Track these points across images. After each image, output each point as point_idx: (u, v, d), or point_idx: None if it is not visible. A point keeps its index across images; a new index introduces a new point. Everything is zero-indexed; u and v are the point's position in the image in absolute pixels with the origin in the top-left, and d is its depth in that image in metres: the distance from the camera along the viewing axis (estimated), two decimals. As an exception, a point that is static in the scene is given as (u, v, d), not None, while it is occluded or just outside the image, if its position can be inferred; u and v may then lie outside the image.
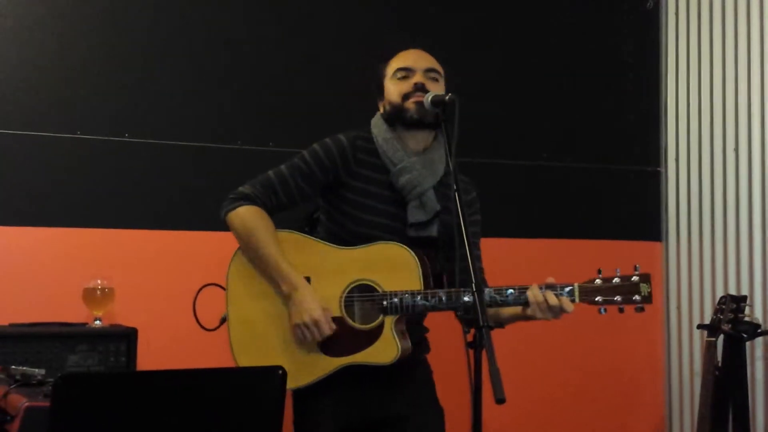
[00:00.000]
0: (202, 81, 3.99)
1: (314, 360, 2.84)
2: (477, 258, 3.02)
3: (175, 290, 3.81)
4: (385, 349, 2.79)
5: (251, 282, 2.93)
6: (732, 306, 4.02)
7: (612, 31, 4.82)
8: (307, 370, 2.84)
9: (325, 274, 2.86)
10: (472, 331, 2.42)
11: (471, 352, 2.38)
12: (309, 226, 3.09)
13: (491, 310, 2.81)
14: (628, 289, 2.71)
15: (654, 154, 4.86)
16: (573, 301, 2.73)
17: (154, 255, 3.85)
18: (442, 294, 2.76)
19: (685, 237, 4.73)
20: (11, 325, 3.50)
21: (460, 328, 2.53)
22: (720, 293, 4.49)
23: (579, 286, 2.73)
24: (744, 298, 4.07)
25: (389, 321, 2.79)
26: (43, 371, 2.96)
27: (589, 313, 4.57)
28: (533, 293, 2.70)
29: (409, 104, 2.90)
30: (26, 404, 2.38)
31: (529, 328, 4.29)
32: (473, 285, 2.44)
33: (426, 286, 2.80)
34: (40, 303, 3.64)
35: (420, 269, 2.80)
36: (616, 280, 2.72)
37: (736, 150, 4.49)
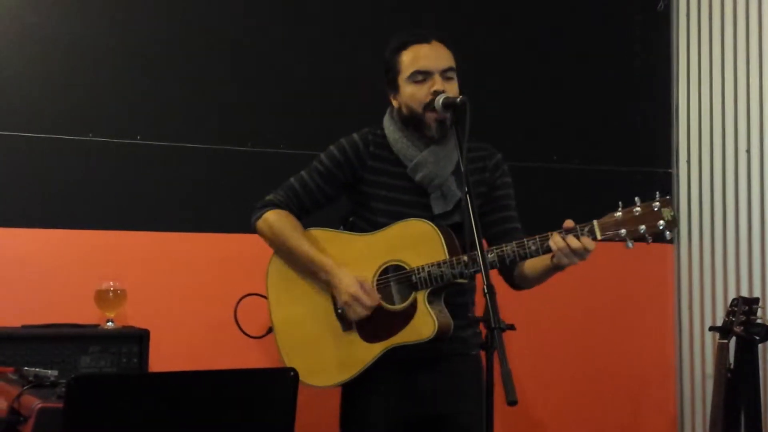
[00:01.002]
0: (213, 83, 3.99)
1: (358, 350, 2.88)
2: (512, 219, 3.04)
3: (187, 292, 3.85)
4: (422, 326, 2.79)
5: (289, 285, 3.01)
6: (744, 308, 4.01)
7: (623, 32, 4.81)
8: (351, 361, 2.88)
9: (353, 262, 2.91)
10: (484, 332, 2.42)
11: (483, 353, 2.39)
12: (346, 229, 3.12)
13: (519, 269, 2.90)
14: (651, 216, 2.63)
15: (665, 156, 4.85)
16: (595, 238, 2.69)
17: (166, 257, 3.85)
18: (466, 258, 2.75)
19: (697, 239, 4.72)
20: (24, 327, 3.51)
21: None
22: (732, 295, 4.47)
23: (599, 223, 2.69)
24: (756, 300, 4.06)
25: (421, 296, 2.81)
26: (56, 372, 2.96)
27: (601, 313, 4.62)
28: (555, 240, 2.68)
29: (430, 119, 2.91)
30: (39, 405, 2.38)
31: (538, 328, 4.34)
32: (485, 287, 2.44)
33: (452, 255, 2.80)
34: (53, 304, 3.65)
35: (443, 239, 2.81)
36: (636, 209, 2.65)
37: (748, 151, 4.48)
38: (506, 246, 2.76)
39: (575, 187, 4.66)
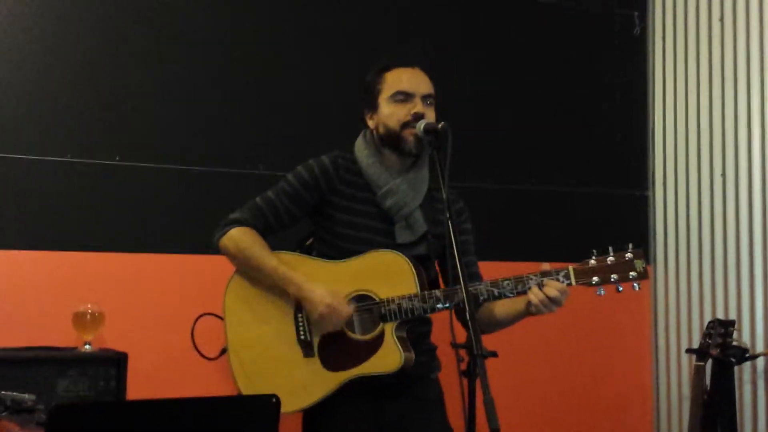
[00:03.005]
0: (192, 105, 3.98)
1: (318, 377, 2.85)
2: (473, 264, 3.06)
3: (165, 314, 3.83)
4: (388, 357, 2.79)
5: (249, 306, 2.96)
6: (720, 330, 4.05)
7: (600, 56, 4.85)
8: (312, 388, 2.85)
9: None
10: (466, 360, 2.43)
11: (465, 380, 2.39)
12: (302, 252, 3.10)
13: (488, 311, 2.90)
14: (623, 266, 2.73)
15: (642, 179, 4.89)
16: (569, 284, 2.75)
17: (143, 278, 3.83)
18: (439, 293, 2.77)
19: (673, 260, 4.75)
20: (-1, 349, 3.48)
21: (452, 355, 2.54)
22: (707, 317, 4.51)
23: (574, 269, 2.76)
24: (732, 323, 4.09)
25: (389, 328, 2.81)
26: (33, 397, 2.95)
27: (578, 335, 4.64)
28: (534, 292, 2.73)
29: (408, 136, 2.92)
30: (18, 433, 2.37)
31: (517, 352, 4.34)
32: (466, 313, 2.45)
33: (422, 289, 2.81)
34: (28, 327, 3.61)
35: (415, 273, 2.82)
36: (610, 258, 2.75)
37: (723, 175, 4.52)
38: (480, 284, 2.79)
39: (551, 209, 4.68)
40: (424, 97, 2.95)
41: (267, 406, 2.37)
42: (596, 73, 4.83)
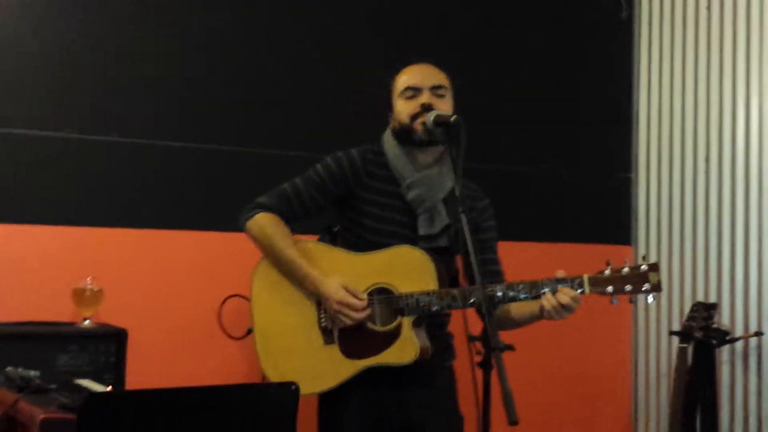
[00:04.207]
0: (191, 80, 3.97)
1: (337, 364, 2.93)
2: (494, 262, 3.12)
3: (164, 291, 3.85)
4: (404, 349, 2.88)
5: (275, 290, 3.03)
6: (704, 314, 4.15)
7: (586, 39, 4.89)
8: (330, 374, 2.93)
9: (344, 278, 2.94)
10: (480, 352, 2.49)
11: (479, 372, 2.45)
12: (329, 238, 3.18)
13: (505, 311, 2.99)
14: (637, 278, 2.82)
15: (625, 161, 4.97)
16: (583, 292, 2.83)
17: (143, 254, 3.83)
18: (456, 292, 2.85)
19: (654, 242, 4.85)
20: (-1, 324, 3.49)
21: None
22: (688, 300, 4.63)
23: (589, 278, 2.83)
24: (714, 306, 4.21)
25: (407, 321, 2.88)
26: (38, 373, 2.98)
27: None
28: (547, 299, 2.80)
29: (417, 125, 2.98)
30: (42, 416, 2.39)
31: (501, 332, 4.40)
32: (484, 307, 2.51)
33: (441, 286, 2.89)
34: (26, 302, 3.60)
35: (435, 270, 2.90)
36: (625, 270, 2.83)
37: (707, 159, 4.61)
38: (496, 286, 2.86)
39: (535, 191, 4.73)
40: (433, 89, 3.01)
41: (287, 393, 2.44)
42: (582, 56, 4.87)
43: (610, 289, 2.82)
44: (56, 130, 3.74)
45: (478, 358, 2.53)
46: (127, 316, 3.63)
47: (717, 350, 4.25)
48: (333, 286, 2.91)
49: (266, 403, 2.42)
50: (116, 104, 3.84)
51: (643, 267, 2.82)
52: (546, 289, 2.81)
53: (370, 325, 2.92)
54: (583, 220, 4.86)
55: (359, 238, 3.03)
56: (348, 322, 2.91)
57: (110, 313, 3.63)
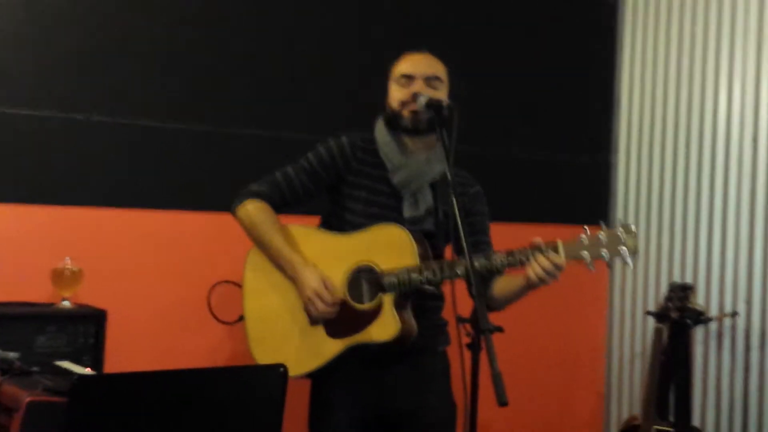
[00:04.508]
0: (173, 59, 3.92)
1: (321, 344, 2.94)
2: (485, 243, 3.13)
3: (144, 271, 3.82)
4: (385, 327, 2.87)
5: (265, 276, 3.05)
6: (680, 294, 4.19)
7: (571, 23, 4.89)
8: (316, 354, 2.94)
9: (328, 260, 2.96)
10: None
11: (468, 354, 2.46)
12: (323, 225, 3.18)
13: (492, 289, 2.97)
14: (613, 242, 2.73)
15: (606, 144, 4.99)
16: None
17: (121, 234, 3.80)
18: (435, 266, 2.84)
19: (632, 223, 4.84)
20: (-25, 304, 3.45)
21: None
22: (663, 281, 4.67)
23: (563, 244, 2.77)
24: (690, 287, 4.24)
25: (388, 299, 2.88)
26: (17, 354, 2.95)
27: (536, 295, 4.73)
28: (532, 270, 2.76)
29: (405, 112, 3.00)
30: (28, 399, 2.37)
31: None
32: (473, 288, 2.51)
33: (423, 262, 2.88)
34: (4, 282, 3.56)
35: (415, 247, 2.89)
36: (601, 234, 2.74)
37: (687, 142, 4.64)
38: (476, 257, 2.81)
39: (517, 174, 4.74)
40: (427, 78, 3.03)
41: (275, 375, 2.44)
42: (566, 39, 4.86)
43: (585, 254, 2.75)
44: (35, 109, 3.68)
45: (467, 340, 2.52)
46: (106, 297, 3.60)
47: (692, 330, 4.30)
48: (311, 276, 2.92)
49: (255, 385, 2.42)
50: (96, 83, 3.79)
51: (620, 230, 2.74)
52: (524, 257, 2.78)
53: (353, 303, 2.93)
54: (562, 201, 4.88)
55: (346, 222, 3.04)
56: (314, 313, 2.92)
57: (90, 294, 3.59)
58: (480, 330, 2.45)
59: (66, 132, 3.73)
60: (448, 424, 3.06)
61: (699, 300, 4.43)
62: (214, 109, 4.00)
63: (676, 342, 4.23)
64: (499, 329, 2.49)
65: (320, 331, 2.95)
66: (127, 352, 3.61)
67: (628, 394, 4.86)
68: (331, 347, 2.93)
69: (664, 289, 4.63)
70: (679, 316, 4.15)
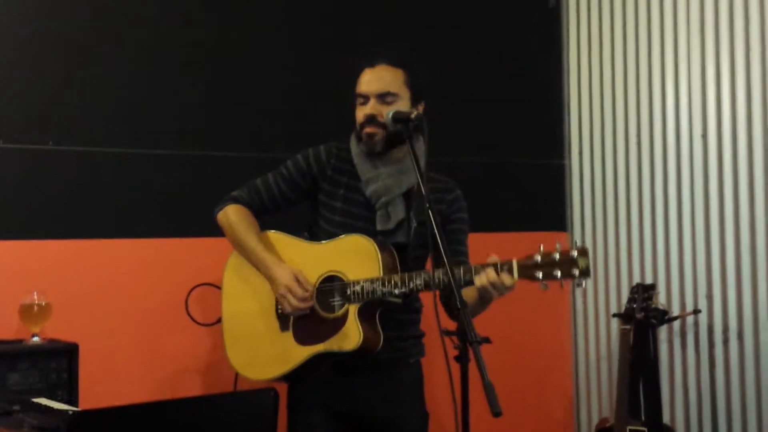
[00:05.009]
0: (136, 84, 3.88)
1: (290, 350, 3.02)
2: (461, 253, 3.15)
3: (113, 302, 3.78)
4: (348, 336, 2.93)
5: (241, 280, 3.15)
6: (643, 294, 4.26)
7: (515, 28, 4.94)
8: (283, 360, 3.02)
9: (300, 267, 3.03)
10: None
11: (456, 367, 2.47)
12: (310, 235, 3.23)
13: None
14: (567, 264, 2.69)
15: (558, 148, 5.05)
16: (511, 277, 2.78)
17: (89, 266, 3.75)
18: (397, 279, 2.89)
19: (590, 226, 4.94)
20: (-56, 345, 3.38)
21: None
22: (624, 282, 4.73)
23: (518, 263, 2.76)
24: (653, 287, 4.32)
25: (353, 309, 2.94)
26: (-9, 393, 2.93)
27: (499, 302, 4.77)
28: (479, 279, 2.77)
29: (363, 134, 3.08)
30: (17, 439, 2.34)
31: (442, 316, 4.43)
32: (458, 301, 2.53)
33: (386, 273, 2.92)
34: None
35: (380, 258, 2.94)
36: (555, 255, 2.72)
37: (638, 142, 4.71)
38: (435, 271, 2.84)
39: (471, 180, 4.72)
40: (379, 96, 3.06)
41: (266, 399, 2.45)
42: (512, 44, 4.91)
43: (539, 274, 2.74)
44: (-7, 142, 3.64)
45: (454, 353, 2.53)
46: (76, 330, 3.56)
47: (657, 329, 4.37)
48: (283, 272, 3.01)
49: (247, 409, 2.42)
50: (56, 112, 3.74)
51: (573, 252, 2.70)
52: (479, 273, 2.78)
53: (321, 312, 2.99)
54: (518, 209, 4.92)
55: (322, 231, 3.12)
56: (288, 309, 2.99)
57: (59, 328, 3.54)
58: (468, 341, 2.47)
59: (21, 163, 3.67)
60: None
61: (661, 299, 4.49)
62: (183, 135, 3.98)
63: (642, 342, 4.30)
64: (487, 340, 2.51)
65: (289, 337, 3.03)
66: (101, 385, 3.58)
67: (597, 396, 4.91)
68: (298, 354, 3.00)
69: (624, 289, 4.71)
70: (643, 316, 4.23)
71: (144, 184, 3.89)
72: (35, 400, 3.00)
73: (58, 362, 3.44)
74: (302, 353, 3.00)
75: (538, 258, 2.75)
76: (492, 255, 2.85)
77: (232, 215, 3.14)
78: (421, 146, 2.93)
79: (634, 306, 4.23)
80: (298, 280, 2.97)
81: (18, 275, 3.60)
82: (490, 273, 2.76)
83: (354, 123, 3.13)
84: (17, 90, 3.69)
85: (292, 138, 3.94)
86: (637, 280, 4.62)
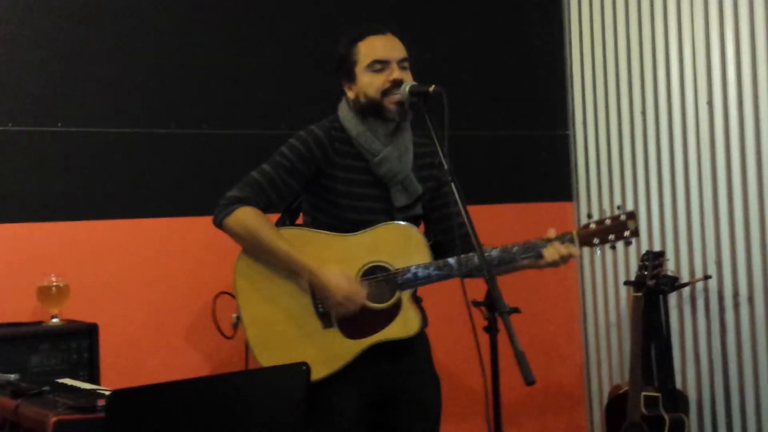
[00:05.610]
0: (134, 65, 3.87)
1: (340, 346, 2.95)
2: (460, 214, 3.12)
3: (131, 282, 3.79)
4: (408, 323, 2.95)
5: (260, 283, 3.00)
6: (653, 262, 4.28)
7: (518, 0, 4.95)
8: (335, 356, 2.95)
9: (335, 262, 2.94)
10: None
11: (487, 336, 2.51)
12: (290, 218, 3.14)
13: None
14: (619, 227, 2.97)
15: (562, 118, 5.06)
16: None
17: (105, 247, 3.76)
18: (452, 261, 2.92)
19: (596, 195, 4.96)
20: (-36, 328, 3.40)
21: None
22: (632, 249, 4.74)
23: (578, 234, 2.97)
24: (662, 254, 4.34)
25: (406, 296, 2.95)
26: (18, 376, 2.93)
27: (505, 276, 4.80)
28: (549, 252, 2.92)
29: (389, 104, 2.98)
30: (54, 418, 2.36)
31: (449, 289, 4.44)
32: (485, 272, 2.55)
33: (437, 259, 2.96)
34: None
35: (426, 242, 2.98)
36: (607, 221, 2.98)
37: (643, 110, 4.72)
38: (492, 250, 2.94)
39: (476, 153, 4.78)
40: (400, 62, 3.01)
41: (298, 374, 2.45)
42: (516, 17, 4.91)
43: (596, 240, 2.97)
44: (5, 124, 3.62)
45: (483, 323, 2.57)
46: (95, 311, 3.57)
47: (668, 296, 4.40)
48: (335, 278, 2.90)
49: (280, 385, 2.43)
50: (67, 93, 3.73)
51: (622, 216, 2.97)
52: (541, 250, 2.91)
53: (368, 303, 2.94)
54: (524, 180, 4.94)
55: (335, 218, 3.02)
56: (344, 314, 2.92)
57: (78, 309, 3.55)
58: (498, 312, 2.49)
59: (39, 146, 3.68)
60: (434, 399, 3.13)
61: (669, 266, 4.51)
62: (178, 114, 3.97)
63: (653, 309, 4.33)
64: (516, 310, 2.54)
65: (336, 333, 2.96)
66: (121, 365, 3.59)
67: (607, 364, 4.94)
68: (351, 348, 2.95)
69: (632, 257, 4.74)
70: (654, 283, 4.25)
71: (159, 164, 3.90)
72: (60, 380, 3.02)
73: (79, 342, 3.45)
74: (355, 347, 2.94)
75: (593, 226, 2.97)
76: (550, 229, 2.98)
77: (250, 220, 2.93)
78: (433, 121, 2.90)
79: (645, 273, 4.26)
80: (352, 284, 2.91)
81: (33, 257, 3.61)
82: (560, 247, 2.92)
83: (360, 95, 3.00)
84: (31, 74, 3.68)
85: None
86: (645, 248, 4.64)
